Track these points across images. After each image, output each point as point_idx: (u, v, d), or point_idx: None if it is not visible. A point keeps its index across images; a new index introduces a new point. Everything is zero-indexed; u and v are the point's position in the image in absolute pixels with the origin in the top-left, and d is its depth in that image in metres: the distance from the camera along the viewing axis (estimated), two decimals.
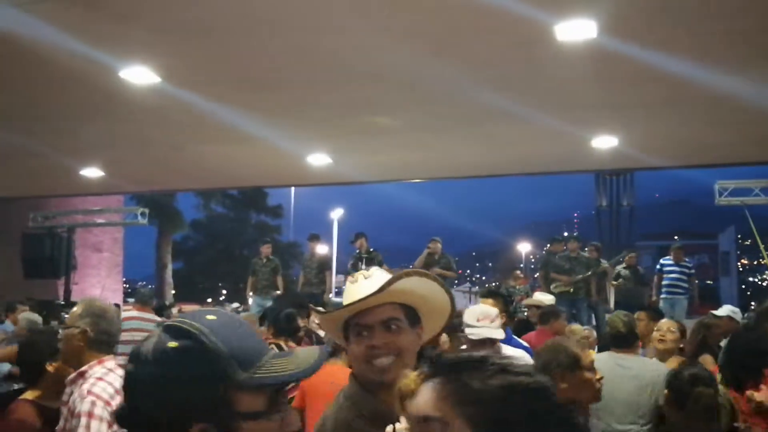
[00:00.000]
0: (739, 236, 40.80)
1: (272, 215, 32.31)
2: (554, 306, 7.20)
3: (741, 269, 50.76)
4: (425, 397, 0.93)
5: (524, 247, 51.23)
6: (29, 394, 2.95)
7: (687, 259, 10.55)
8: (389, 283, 1.60)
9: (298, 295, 10.09)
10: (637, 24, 4.77)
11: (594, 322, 9.71)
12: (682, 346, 4.59)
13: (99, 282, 15.85)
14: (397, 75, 5.94)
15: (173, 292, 24.16)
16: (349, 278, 1.74)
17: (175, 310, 11.13)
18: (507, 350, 3.68)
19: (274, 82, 6.20)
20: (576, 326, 6.85)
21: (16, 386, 3.16)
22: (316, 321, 5.73)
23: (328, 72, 5.94)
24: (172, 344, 1.03)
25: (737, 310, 6.25)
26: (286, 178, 11.34)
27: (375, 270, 1.74)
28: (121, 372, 2.75)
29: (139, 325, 6.51)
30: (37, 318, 6.72)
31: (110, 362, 2.70)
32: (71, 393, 2.59)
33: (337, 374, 4.03)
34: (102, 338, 2.71)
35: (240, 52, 5.50)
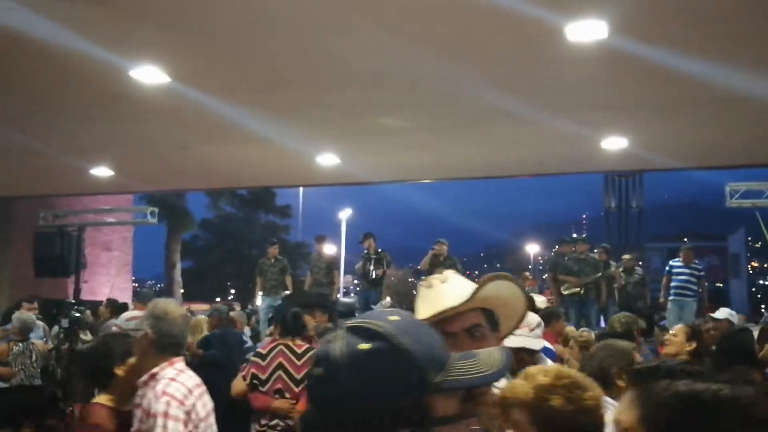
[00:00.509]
0: (749, 238, 40.48)
1: (281, 215, 32.41)
2: (554, 307, 7.21)
3: (751, 271, 50.37)
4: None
5: (532, 249, 51.12)
6: (102, 398, 2.95)
7: (697, 261, 10.43)
8: (479, 288, 1.55)
9: (308, 293, 10.09)
10: (649, 24, 4.74)
11: (603, 325, 9.67)
12: (690, 348, 4.55)
13: (108, 281, 15.91)
14: (405, 76, 5.94)
15: (182, 291, 24.25)
16: (423, 283, 1.67)
17: (184, 308, 11.15)
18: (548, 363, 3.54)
19: (283, 83, 6.21)
20: (570, 328, 6.84)
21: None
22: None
23: (337, 73, 5.94)
24: (364, 346, 0.95)
25: (734, 313, 6.20)
26: (295, 178, 11.36)
27: (449, 273, 1.67)
28: (191, 373, 2.72)
29: (140, 324, 6.55)
30: (29, 317, 6.68)
31: (180, 363, 2.72)
32: (144, 395, 2.61)
33: None
34: (164, 341, 2.71)
35: (249, 52, 5.51)
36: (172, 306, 2.83)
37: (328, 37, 5.14)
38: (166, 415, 2.49)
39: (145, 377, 2.66)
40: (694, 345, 4.21)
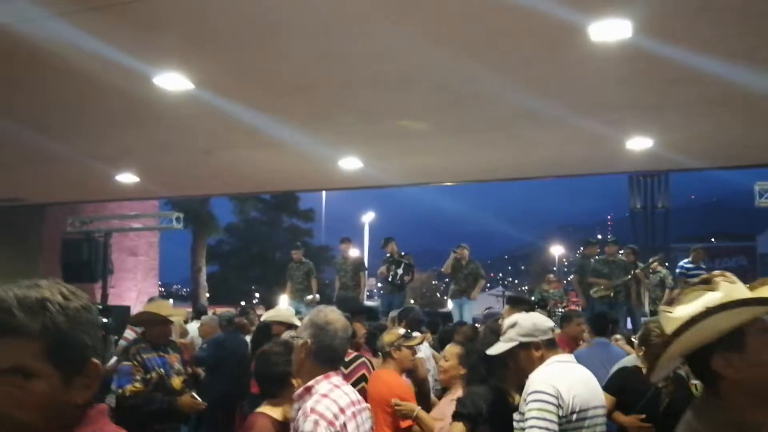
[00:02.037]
0: None
1: (304, 219, 32.57)
2: (571, 311, 7.20)
3: None
4: None
5: (557, 250, 50.65)
6: (267, 408, 2.86)
7: (702, 262, 10.26)
8: None
9: (351, 300, 10.05)
10: (673, 23, 4.66)
11: (630, 326, 9.55)
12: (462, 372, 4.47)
13: (135, 286, 16.13)
14: (427, 78, 5.93)
15: (207, 295, 24.48)
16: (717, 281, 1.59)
17: (210, 312, 11.28)
18: None
19: (305, 88, 6.24)
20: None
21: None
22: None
23: (360, 77, 5.95)
24: None
25: None
26: (318, 182, 11.40)
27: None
28: (348, 389, 2.54)
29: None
30: None
31: (337, 378, 2.53)
32: (298, 409, 2.45)
33: (388, 379, 3.99)
34: (323, 353, 2.52)
35: (272, 58, 5.55)
36: (334, 315, 2.62)
37: (350, 41, 5.15)
38: None
39: (300, 390, 2.50)
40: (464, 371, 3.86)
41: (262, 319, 7.41)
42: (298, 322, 6.21)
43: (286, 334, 3.74)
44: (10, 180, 10.39)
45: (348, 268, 10.70)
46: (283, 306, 6.43)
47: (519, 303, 4.26)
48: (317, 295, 10.76)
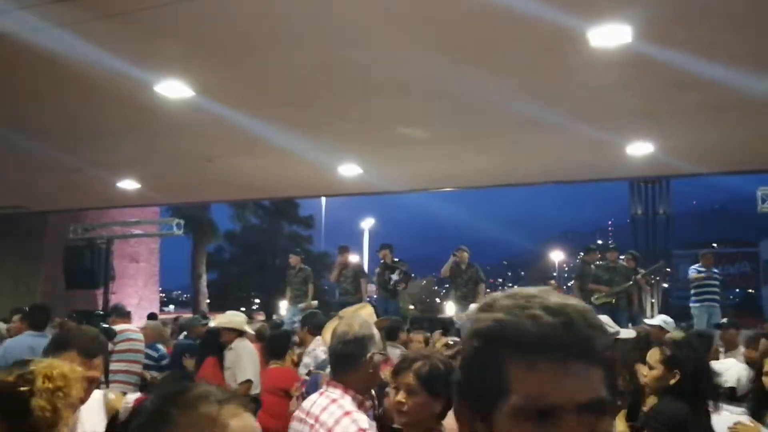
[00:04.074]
0: None
1: (304, 226, 32.54)
2: None
3: None
4: None
5: (557, 256, 50.54)
6: None
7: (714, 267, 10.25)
8: None
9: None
10: (673, 28, 4.67)
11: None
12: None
13: (136, 292, 16.13)
14: (426, 85, 5.93)
15: (207, 301, 24.45)
16: None
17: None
18: None
19: (305, 95, 6.25)
20: None
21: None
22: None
23: (359, 85, 5.97)
24: None
25: (670, 320, 6.38)
26: (317, 188, 11.41)
27: None
28: (360, 417, 2.34)
29: (129, 336, 6.52)
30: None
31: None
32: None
33: None
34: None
35: (272, 66, 5.56)
36: (360, 320, 2.56)
37: (350, 49, 5.16)
38: None
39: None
40: None
41: (210, 324, 7.28)
42: (249, 330, 6.15)
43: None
44: (14, 188, 10.42)
45: (348, 274, 10.68)
46: (233, 312, 6.38)
47: None
48: (314, 302, 10.70)
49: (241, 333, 5.86)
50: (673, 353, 3.21)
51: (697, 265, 10.31)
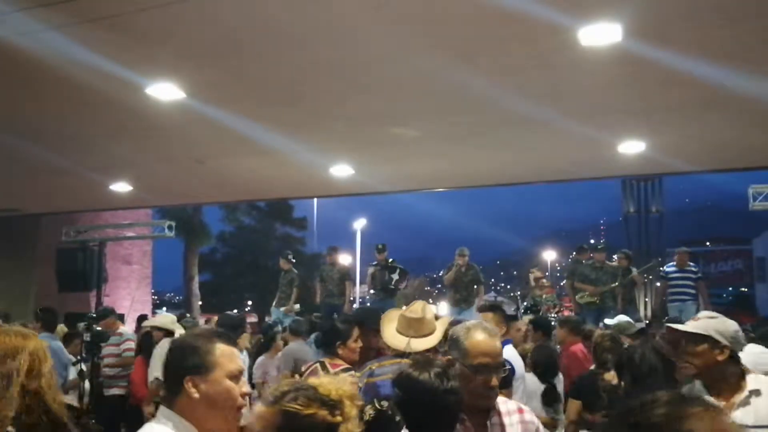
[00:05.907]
0: None
1: (297, 227, 32.49)
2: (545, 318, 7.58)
3: None
4: None
5: (550, 255, 50.64)
6: None
7: (692, 264, 10.23)
8: None
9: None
10: (663, 26, 4.68)
11: None
12: None
13: (129, 294, 16.07)
14: (418, 85, 5.93)
15: (200, 303, 24.39)
16: None
17: (202, 321, 11.24)
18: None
19: (296, 96, 6.24)
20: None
21: None
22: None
23: (350, 84, 5.96)
24: None
25: (630, 320, 6.51)
26: (310, 189, 11.39)
27: None
28: None
29: (118, 340, 7.19)
30: None
31: None
32: None
33: None
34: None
35: (263, 66, 5.55)
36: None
37: (340, 48, 5.15)
38: None
39: None
40: None
41: (143, 324, 7.73)
42: (179, 329, 6.22)
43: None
44: (7, 191, 10.38)
45: (334, 276, 10.65)
46: (164, 313, 6.79)
47: (491, 310, 4.19)
48: (296, 306, 10.64)
49: (168, 332, 6.06)
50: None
51: (670, 263, 10.34)
